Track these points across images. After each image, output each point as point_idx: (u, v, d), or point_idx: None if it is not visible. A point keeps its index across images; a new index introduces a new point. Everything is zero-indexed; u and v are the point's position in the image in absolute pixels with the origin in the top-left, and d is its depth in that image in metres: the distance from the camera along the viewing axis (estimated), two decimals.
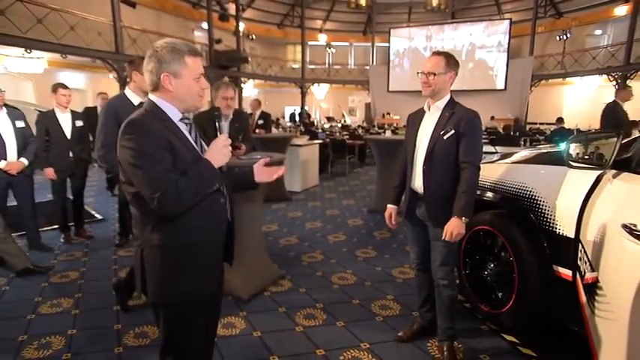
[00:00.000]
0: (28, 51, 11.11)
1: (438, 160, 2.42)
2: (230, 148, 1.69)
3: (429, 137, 2.46)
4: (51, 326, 2.99)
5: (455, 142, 2.38)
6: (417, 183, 2.54)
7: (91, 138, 6.23)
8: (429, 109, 2.53)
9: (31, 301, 3.38)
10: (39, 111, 4.95)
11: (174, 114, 1.63)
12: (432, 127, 2.46)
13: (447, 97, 2.47)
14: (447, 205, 2.38)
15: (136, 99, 3.37)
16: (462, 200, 2.32)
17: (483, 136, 11.68)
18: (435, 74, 2.38)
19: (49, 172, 4.52)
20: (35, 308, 3.26)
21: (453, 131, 2.37)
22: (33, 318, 3.12)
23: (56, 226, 5.01)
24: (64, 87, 4.61)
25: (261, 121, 7.99)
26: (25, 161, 4.13)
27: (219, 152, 1.65)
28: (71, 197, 4.90)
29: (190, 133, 1.68)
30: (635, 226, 1.68)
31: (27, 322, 3.06)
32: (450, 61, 2.42)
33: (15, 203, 4.36)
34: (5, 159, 4.02)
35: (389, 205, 2.79)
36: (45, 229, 5.04)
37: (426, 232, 2.61)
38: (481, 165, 3.39)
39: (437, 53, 2.45)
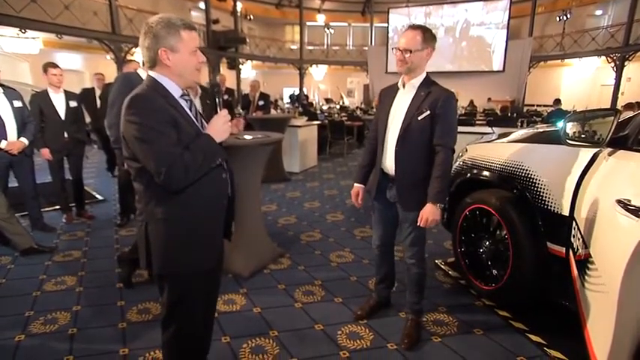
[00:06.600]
0: (23, 31, 10.92)
1: (411, 141, 2.33)
2: (229, 123, 1.72)
3: (402, 117, 2.35)
4: (56, 303, 3.06)
5: (430, 124, 2.27)
6: (388, 163, 2.45)
7: (88, 119, 6.24)
8: (404, 87, 2.41)
9: (36, 278, 3.43)
10: (35, 91, 4.91)
11: (175, 90, 1.65)
12: (407, 106, 2.35)
13: (423, 75, 2.35)
14: (419, 188, 2.32)
15: None
16: (436, 186, 2.25)
17: (481, 117, 11.72)
18: (410, 51, 2.24)
19: (45, 152, 4.53)
20: (40, 285, 3.32)
21: (428, 112, 2.26)
22: (38, 295, 3.18)
23: (57, 207, 5.05)
24: (54, 66, 4.52)
25: (261, 102, 8.02)
26: (25, 141, 4.13)
27: (220, 127, 1.68)
28: (70, 178, 4.91)
29: (190, 110, 1.70)
30: (629, 201, 1.72)
31: (33, 298, 3.12)
32: (427, 35, 2.26)
33: (17, 185, 4.37)
34: (6, 139, 4.03)
35: (356, 184, 2.72)
36: (46, 209, 5.07)
37: (393, 212, 2.58)
38: (477, 144, 3.43)
39: (413, 27, 2.29)
